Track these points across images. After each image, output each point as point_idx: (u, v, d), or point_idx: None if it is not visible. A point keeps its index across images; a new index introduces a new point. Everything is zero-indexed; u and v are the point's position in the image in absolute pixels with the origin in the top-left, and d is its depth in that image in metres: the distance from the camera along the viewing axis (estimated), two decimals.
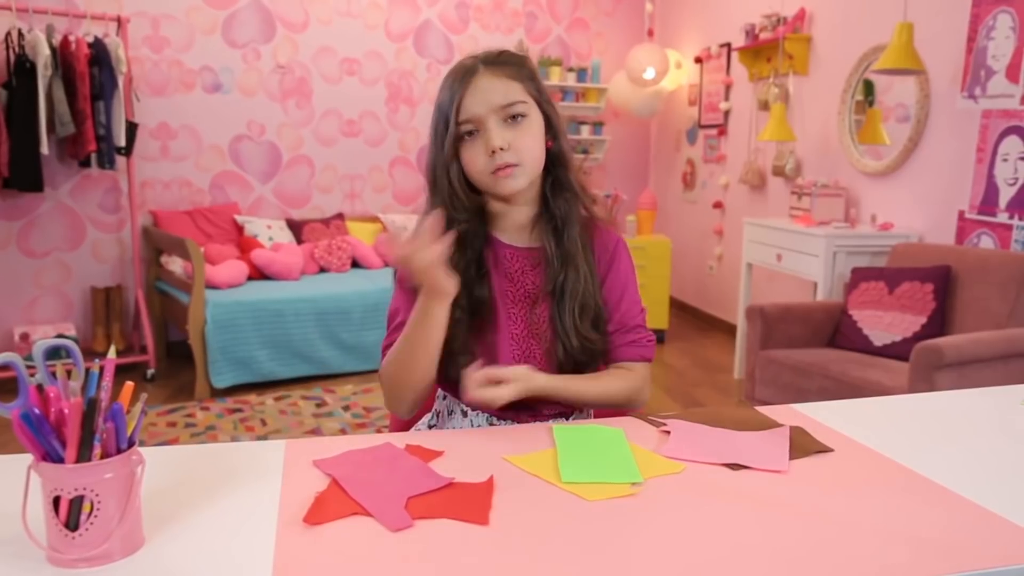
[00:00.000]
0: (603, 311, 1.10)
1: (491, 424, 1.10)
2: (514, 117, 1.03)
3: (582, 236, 1.09)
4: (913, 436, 0.99)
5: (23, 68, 3.31)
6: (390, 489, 0.78)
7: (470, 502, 0.76)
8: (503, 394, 0.98)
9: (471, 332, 1.07)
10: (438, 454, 0.89)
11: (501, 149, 1.00)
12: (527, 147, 1.03)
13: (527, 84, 1.05)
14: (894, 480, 0.84)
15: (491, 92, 1.02)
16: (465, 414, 1.12)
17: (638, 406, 1.12)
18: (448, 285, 0.96)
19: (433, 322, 0.99)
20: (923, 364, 2.28)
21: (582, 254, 1.08)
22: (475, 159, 1.03)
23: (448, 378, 1.11)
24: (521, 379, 1.00)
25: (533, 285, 1.10)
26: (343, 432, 2.99)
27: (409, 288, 1.05)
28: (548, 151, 1.08)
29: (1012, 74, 2.72)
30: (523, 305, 1.10)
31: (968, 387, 1.25)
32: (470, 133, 1.03)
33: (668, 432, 0.97)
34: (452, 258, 1.01)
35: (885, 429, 1.00)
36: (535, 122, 1.05)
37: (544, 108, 1.07)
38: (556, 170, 1.09)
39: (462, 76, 1.03)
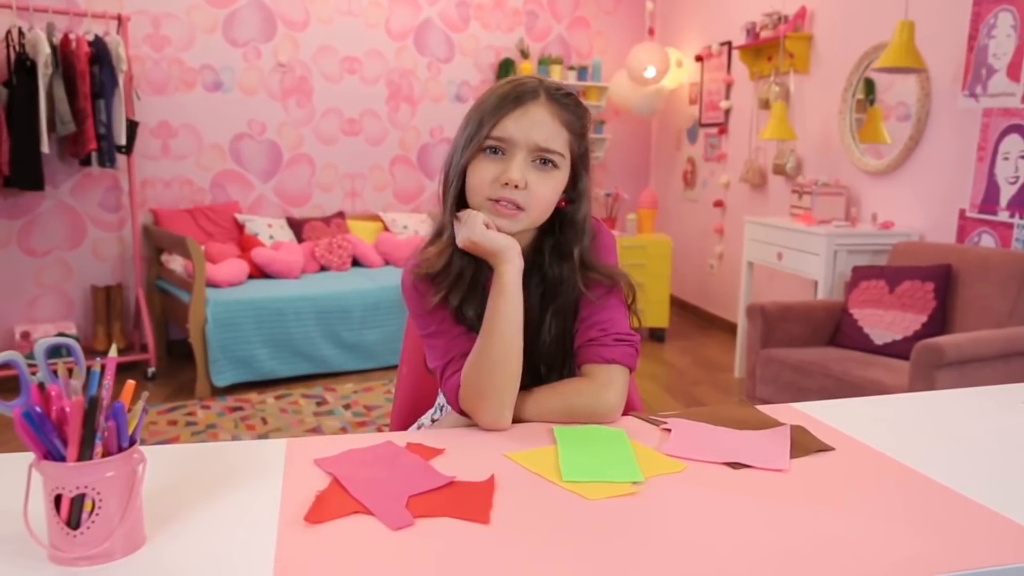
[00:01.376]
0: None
1: None
2: (544, 162, 0.97)
3: (575, 302, 1.02)
4: (914, 435, 0.99)
5: (23, 66, 3.31)
6: (391, 488, 0.78)
7: (471, 501, 0.76)
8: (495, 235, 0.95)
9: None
10: (439, 452, 0.89)
11: (516, 186, 0.94)
12: (542, 197, 0.97)
13: (574, 139, 1.00)
14: (895, 479, 0.84)
15: (538, 127, 0.96)
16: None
17: (602, 418, 0.98)
18: (507, 243, 0.94)
19: (512, 289, 0.94)
20: (924, 363, 2.28)
21: (566, 313, 1.03)
22: (484, 176, 0.96)
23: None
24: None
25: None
26: (344, 431, 2.99)
27: (427, 312, 1.01)
28: (559, 210, 1.02)
29: (1013, 73, 2.72)
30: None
31: (969, 386, 1.25)
32: (494, 150, 0.97)
33: (669, 431, 0.97)
34: (464, 271, 0.99)
35: (886, 428, 1.00)
36: (560, 177, 0.99)
37: (576, 168, 1.01)
38: (562, 234, 1.02)
39: (519, 96, 0.97)
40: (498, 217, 0.96)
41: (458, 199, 1.00)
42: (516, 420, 0.99)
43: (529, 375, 1.00)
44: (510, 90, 0.98)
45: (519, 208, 0.96)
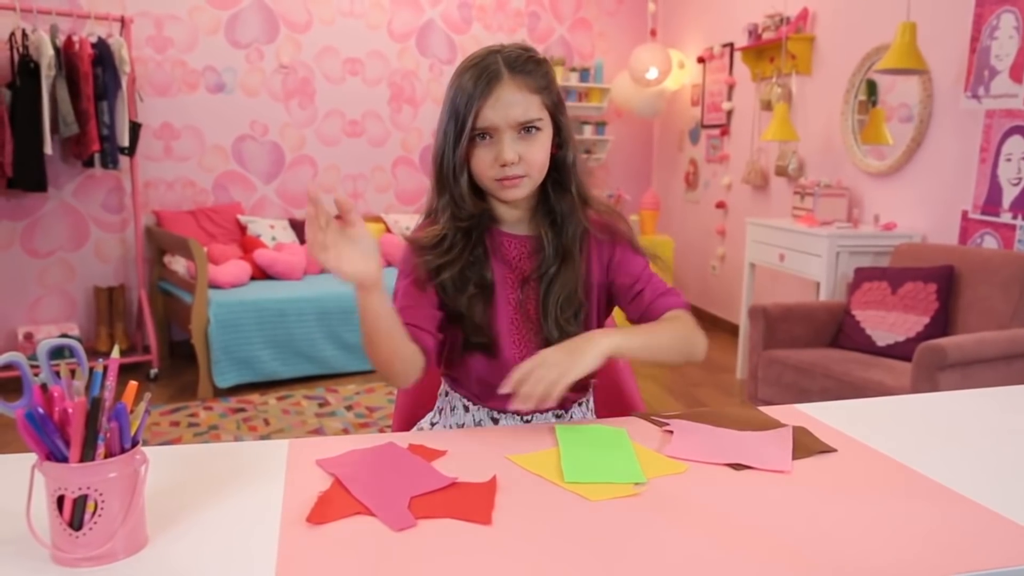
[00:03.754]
0: (587, 307, 1.11)
1: (493, 420, 1.11)
2: (528, 129, 1.03)
3: (580, 238, 1.10)
4: (916, 436, 0.98)
5: (27, 68, 3.31)
6: (393, 489, 0.78)
7: (473, 502, 0.76)
8: (557, 390, 0.89)
9: (474, 316, 1.07)
10: (441, 454, 0.89)
11: (511, 163, 1.02)
12: (536, 159, 1.04)
13: (545, 96, 1.05)
14: (897, 480, 0.84)
15: (513, 106, 1.02)
16: (467, 408, 1.12)
17: (698, 356, 1.08)
18: (363, 274, 0.89)
19: (370, 314, 0.93)
20: (926, 364, 2.28)
21: (577, 252, 1.09)
22: (483, 163, 1.04)
23: (451, 367, 1.12)
24: (579, 353, 0.92)
25: (530, 271, 1.11)
26: (346, 432, 2.99)
27: (405, 273, 1.08)
28: (553, 157, 1.08)
29: (1016, 74, 2.72)
30: (521, 291, 1.11)
31: (971, 387, 1.25)
32: (483, 136, 1.04)
33: (671, 432, 0.97)
34: (455, 246, 1.06)
35: (888, 429, 1.00)
36: (546, 134, 1.06)
37: (556, 118, 1.08)
38: (559, 174, 1.10)
39: (486, 81, 1.02)
40: (507, 191, 1.05)
41: (460, 200, 1.06)
42: (628, 358, 1.13)
43: (540, 337, 1.07)
44: (476, 77, 1.02)
45: (521, 177, 1.04)
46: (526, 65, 1.04)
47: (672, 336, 1.07)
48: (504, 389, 0.91)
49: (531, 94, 1.03)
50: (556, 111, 1.07)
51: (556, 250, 1.09)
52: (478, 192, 1.08)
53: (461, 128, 1.03)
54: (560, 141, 1.09)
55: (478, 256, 1.08)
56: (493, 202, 1.10)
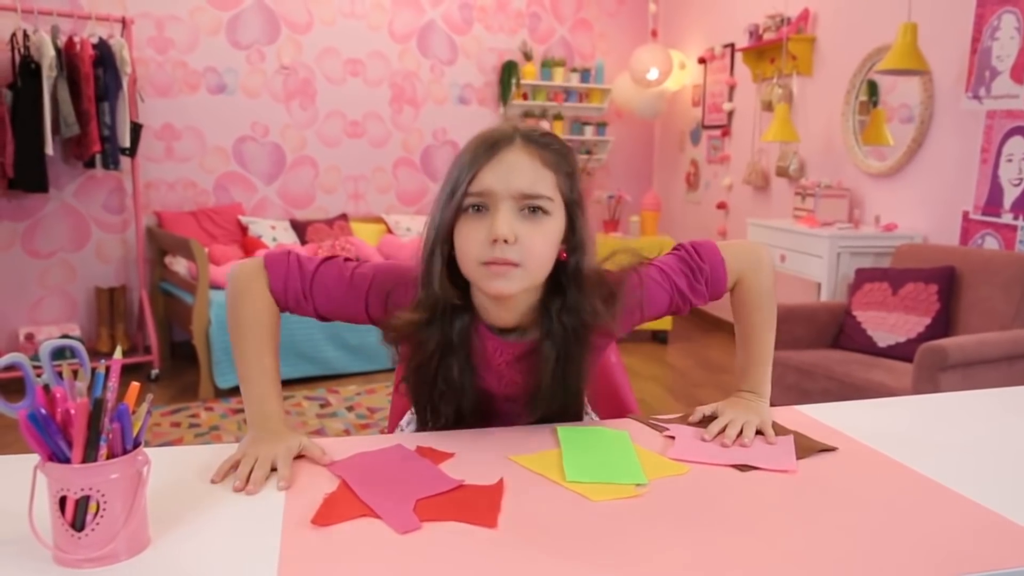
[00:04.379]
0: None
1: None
2: (533, 210, 0.87)
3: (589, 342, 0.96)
4: (918, 438, 0.98)
5: (28, 69, 3.32)
6: (399, 491, 0.78)
7: (479, 505, 0.76)
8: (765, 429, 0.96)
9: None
10: (449, 456, 0.89)
11: (505, 241, 0.84)
12: (536, 249, 0.86)
13: (562, 179, 0.89)
14: (900, 482, 0.84)
15: (518, 172, 0.86)
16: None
17: (772, 276, 1.07)
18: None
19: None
20: (927, 365, 2.27)
21: (586, 358, 0.96)
22: (471, 239, 0.86)
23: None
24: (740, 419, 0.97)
25: (523, 381, 0.97)
26: (347, 432, 3.00)
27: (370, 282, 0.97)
28: (561, 263, 0.91)
29: (1017, 75, 2.72)
30: (513, 391, 1.00)
31: (973, 388, 1.25)
32: (476, 208, 0.87)
33: (672, 438, 0.97)
34: (426, 341, 0.93)
35: (890, 431, 1.00)
36: (554, 225, 0.89)
37: (571, 213, 0.91)
38: (568, 290, 0.92)
39: (492, 144, 0.87)
40: (493, 280, 0.86)
41: (449, 265, 0.90)
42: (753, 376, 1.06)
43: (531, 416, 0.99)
44: (483, 139, 0.89)
45: (513, 264, 0.85)
46: (544, 139, 0.90)
47: (764, 321, 1.05)
48: (708, 438, 0.95)
49: (543, 167, 0.88)
50: (574, 205, 0.91)
51: (553, 373, 0.94)
52: (458, 282, 0.91)
53: (452, 194, 0.87)
54: (573, 244, 0.91)
55: (458, 379, 0.95)
56: (478, 295, 0.93)
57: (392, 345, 0.97)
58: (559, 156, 0.90)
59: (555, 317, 0.93)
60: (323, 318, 1.02)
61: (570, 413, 1.02)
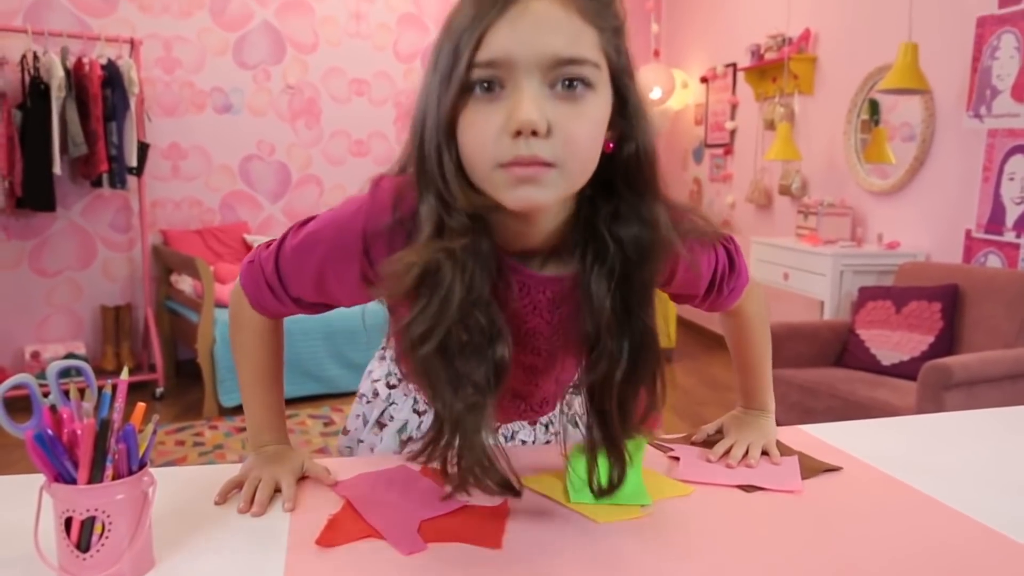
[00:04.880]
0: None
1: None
2: (571, 84, 0.60)
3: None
4: (922, 457, 0.98)
5: (38, 90, 3.36)
6: (403, 512, 0.78)
7: (484, 526, 0.76)
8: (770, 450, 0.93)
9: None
10: None
11: (534, 133, 0.59)
12: (579, 139, 0.61)
13: (608, 39, 0.63)
14: (904, 502, 0.84)
15: (546, 29, 0.59)
16: (419, 413, 0.99)
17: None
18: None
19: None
20: (931, 384, 2.27)
21: (650, 313, 0.70)
22: (483, 132, 0.60)
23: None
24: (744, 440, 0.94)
25: (569, 322, 0.73)
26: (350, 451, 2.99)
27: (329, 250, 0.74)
28: (607, 156, 0.65)
29: (1017, 93, 2.73)
30: (563, 341, 0.77)
31: (977, 407, 1.24)
32: (487, 86, 0.60)
33: (677, 459, 0.97)
34: (445, 290, 0.64)
35: (895, 450, 1.00)
36: (600, 103, 0.63)
37: (619, 85, 0.64)
38: (622, 188, 0.67)
39: None
40: (518, 187, 0.61)
41: (444, 190, 0.63)
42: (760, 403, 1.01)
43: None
44: None
45: (546, 165, 0.60)
46: None
47: (766, 350, 0.99)
48: (713, 459, 0.92)
49: (581, 20, 0.60)
50: (622, 73, 0.64)
51: (617, 314, 0.68)
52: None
53: (451, 69, 0.61)
54: (624, 130, 0.65)
55: (484, 307, 0.66)
56: (496, 216, 0.65)
57: (396, 305, 0.71)
58: (602, 3, 0.63)
59: (605, 231, 0.66)
60: (319, 310, 0.84)
61: (641, 364, 0.70)
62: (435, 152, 0.63)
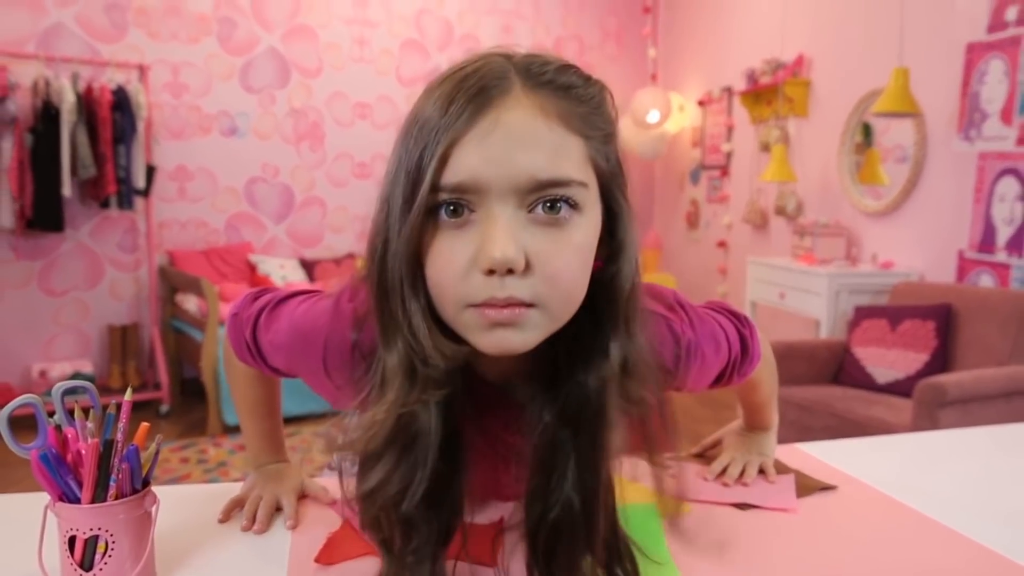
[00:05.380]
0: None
1: None
2: (554, 206, 0.51)
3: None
4: (917, 476, 0.98)
5: (49, 114, 3.44)
6: None
7: (480, 543, 0.74)
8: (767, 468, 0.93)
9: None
10: None
11: (509, 271, 0.50)
12: (563, 275, 0.52)
13: (595, 147, 0.54)
14: (899, 520, 0.84)
15: (523, 146, 0.50)
16: None
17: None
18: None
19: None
20: (926, 401, 2.29)
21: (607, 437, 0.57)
22: (451, 267, 0.51)
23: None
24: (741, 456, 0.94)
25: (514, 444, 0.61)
26: None
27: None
28: (595, 276, 0.55)
29: (1006, 117, 2.78)
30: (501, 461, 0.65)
31: (971, 424, 1.24)
32: (454, 210, 0.51)
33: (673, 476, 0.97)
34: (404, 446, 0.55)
35: (889, 469, 0.99)
36: (588, 226, 0.53)
37: (609, 196, 0.55)
38: (601, 305, 0.56)
39: (475, 92, 0.52)
40: (494, 331, 0.51)
41: (412, 339, 0.53)
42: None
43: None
44: (458, 82, 0.53)
45: (526, 305, 0.51)
46: (562, 76, 0.55)
47: (772, 396, 0.97)
48: (710, 477, 0.92)
49: (565, 129, 0.52)
50: (611, 184, 0.55)
51: (551, 469, 0.57)
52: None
53: (415, 182, 0.51)
54: (613, 246, 0.56)
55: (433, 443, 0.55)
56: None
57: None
58: (588, 104, 0.55)
59: (562, 365, 0.56)
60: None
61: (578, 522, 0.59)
62: (399, 292, 0.53)
